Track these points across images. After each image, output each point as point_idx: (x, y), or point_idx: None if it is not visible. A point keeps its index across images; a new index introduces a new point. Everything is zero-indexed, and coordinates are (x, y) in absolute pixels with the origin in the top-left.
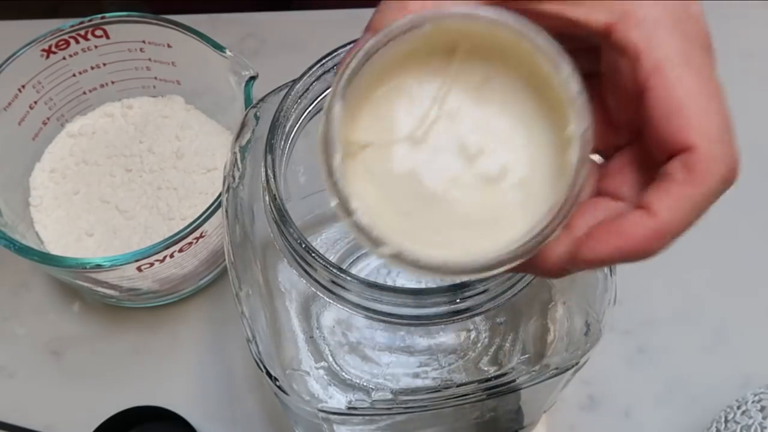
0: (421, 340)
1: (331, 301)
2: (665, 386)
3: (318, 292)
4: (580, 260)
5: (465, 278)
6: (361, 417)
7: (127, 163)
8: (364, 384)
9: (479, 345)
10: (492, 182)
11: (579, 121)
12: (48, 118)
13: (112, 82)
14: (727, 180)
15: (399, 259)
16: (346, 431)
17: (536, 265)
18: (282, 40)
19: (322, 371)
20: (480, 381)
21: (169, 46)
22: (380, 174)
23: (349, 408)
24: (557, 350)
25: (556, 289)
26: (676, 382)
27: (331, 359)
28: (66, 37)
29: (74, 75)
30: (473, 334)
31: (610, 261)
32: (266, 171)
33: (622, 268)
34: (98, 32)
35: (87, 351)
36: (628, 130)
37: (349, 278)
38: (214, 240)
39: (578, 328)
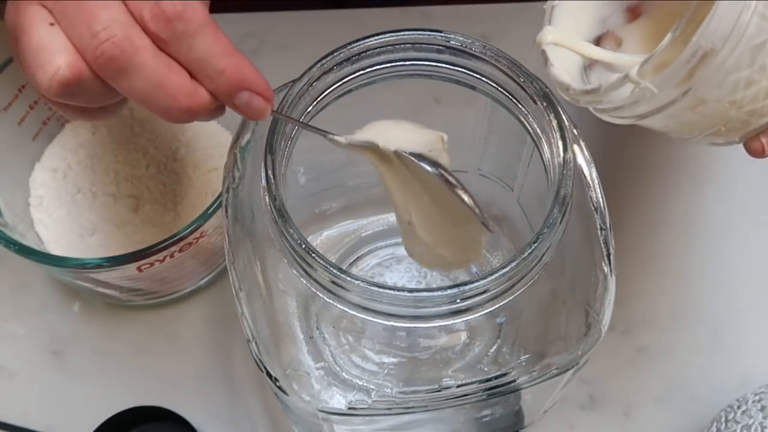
0: (421, 340)
1: (331, 301)
2: (665, 386)
3: (318, 292)
4: None
5: None
6: (361, 417)
7: (128, 163)
8: (364, 384)
9: (479, 345)
10: None
11: None
12: (48, 118)
13: None
14: None
15: None
16: (346, 431)
17: None
18: (282, 40)
19: (322, 371)
20: (480, 381)
21: None
22: None
23: (349, 408)
24: (557, 350)
25: (556, 289)
26: (676, 382)
27: (331, 359)
28: None
29: None
30: (473, 335)
31: None
32: (266, 171)
33: (622, 269)
34: None
35: (87, 351)
36: None
37: (349, 278)
38: (214, 240)
39: (578, 328)
